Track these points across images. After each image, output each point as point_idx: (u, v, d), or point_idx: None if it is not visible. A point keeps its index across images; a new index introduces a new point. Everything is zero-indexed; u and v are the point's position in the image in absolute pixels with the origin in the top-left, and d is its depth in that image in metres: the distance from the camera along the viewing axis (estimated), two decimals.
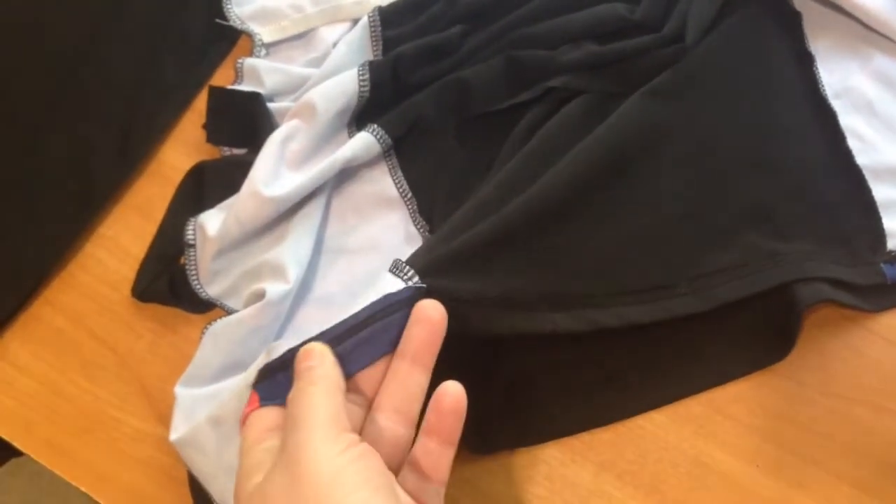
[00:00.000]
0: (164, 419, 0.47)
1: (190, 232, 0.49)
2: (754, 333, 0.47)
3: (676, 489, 0.45)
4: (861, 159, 0.50)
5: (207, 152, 0.54)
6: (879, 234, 0.48)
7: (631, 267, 0.47)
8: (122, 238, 0.52)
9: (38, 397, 0.49)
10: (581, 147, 0.48)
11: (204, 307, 0.49)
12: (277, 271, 0.47)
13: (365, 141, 0.50)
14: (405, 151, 0.52)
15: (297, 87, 0.53)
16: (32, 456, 0.48)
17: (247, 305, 0.47)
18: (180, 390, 0.45)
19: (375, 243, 0.50)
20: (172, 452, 0.46)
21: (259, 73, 0.53)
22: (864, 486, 0.44)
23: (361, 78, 0.50)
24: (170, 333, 0.50)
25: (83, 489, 0.47)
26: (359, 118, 0.52)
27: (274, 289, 0.46)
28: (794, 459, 0.45)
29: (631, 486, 0.45)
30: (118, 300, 0.51)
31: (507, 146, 0.50)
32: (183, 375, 0.46)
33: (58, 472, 0.47)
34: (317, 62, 0.54)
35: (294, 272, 0.47)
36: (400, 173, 0.51)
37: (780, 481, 0.44)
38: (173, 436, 0.44)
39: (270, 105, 0.52)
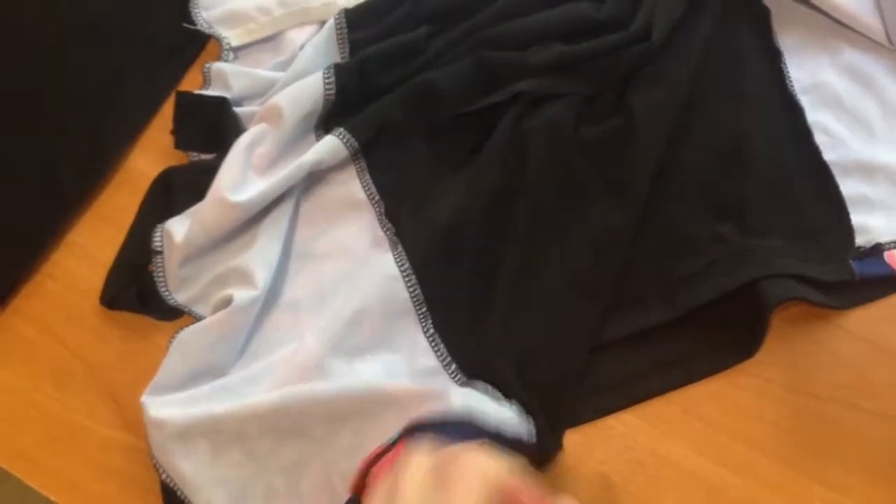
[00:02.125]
0: (133, 427, 0.47)
1: (157, 239, 0.49)
2: (723, 332, 0.46)
3: (645, 489, 0.44)
4: (829, 155, 0.50)
5: (176, 158, 0.54)
6: (848, 230, 0.48)
7: (602, 284, 0.47)
8: (91, 246, 0.52)
9: (7, 407, 0.49)
10: (541, 159, 0.48)
11: (173, 314, 0.49)
12: (245, 277, 0.47)
13: (331, 144, 0.50)
14: (375, 154, 0.51)
15: (264, 90, 0.53)
16: (2, 466, 0.48)
17: (215, 312, 0.47)
18: (148, 399, 0.45)
19: (344, 247, 0.50)
20: (142, 461, 0.45)
21: (226, 78, 0.53)
22: (834, 485, 0.44)
23: (327, 81, 0.50)
24: (139, 341, 0.50)
25: (53, 499, 0.47)
26: (326, 121, 0.52)
27: (241, 295, 0.46)
28: (763, 458, 0.45)
29: (599, 486, 0.45)
30: (87, 308, 0.50)
31: (486, 154, 0.49)
32: (150, 384, 0.45)
33: (27, 481, 0.47)
34: (285, 65, 0.54)
35: (262, 277, 0.47)
36: (368, 176, 0.51)
37: (749, 480, 0.44)
38: (154, 444, 0.44)
39: (238, 109, 0.52)
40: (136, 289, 0.49)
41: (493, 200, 0.48)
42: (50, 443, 0.48)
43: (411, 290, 0.47)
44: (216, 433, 0.44)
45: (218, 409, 0.43)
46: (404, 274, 0.47)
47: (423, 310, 0.47)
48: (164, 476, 0.44)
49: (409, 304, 0.47)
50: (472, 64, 0.51)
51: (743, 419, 0.45)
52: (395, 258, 0.47)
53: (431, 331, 0.47)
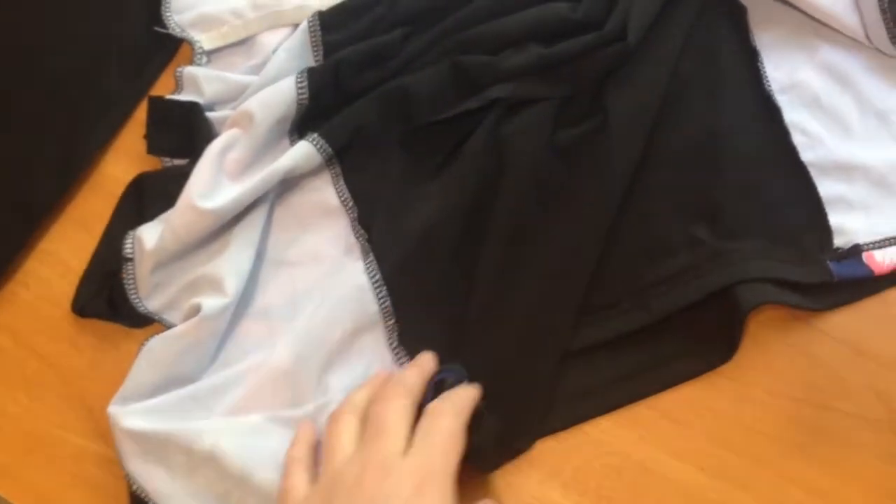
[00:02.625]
0: (107, 437, 0.46)
1: (128, 246, 0.49)
2: (698, 337, 0.46)
3: (622, 495, 0.44)
4: (807, 155, 0.49)
5: (150, 163, 0.53)
6: (826, 230, 0.48)
7: (575, 291, 0.46)
8: (63, 253, 0.52)
9: None
10: (519, 166, 0.47)
11: (144, 321, 0.49)
12: (216, 284, 0.47)
13: (305, 150, 0.49)
14: (349, 160, 0.51)
15: (237, 94, 0.52)
16: None
17: (185, 320, 0.46)
18: (115, 409, 0.44)
19: (317, 254, 0.49)
20: (116, 471, 0.45)
21: (199, 82, 0.52)
22: (812, 488, 0.43)
23: (300, 85, 0.50)
24: (112, 349, 0.49)
25: None
26: (301, 126, 0.51)
27: (211, 303, 0.45)
28: (740, 461, 0.44)
29: (576, 493, 0.44)
30: (60, 317, 0.50)
31: (462, 161, 0.49)
32: (117, 394, 0.45)
33: (1, 493, 0.47)
34: (258, 68, 0.53)
35: (233, 285, 0.46)
36: (342, 182, 0.50)
37: (727, 483, 0.44)
38: (124, 455, 0.43)
39: (211, 114, 0.52)
40: (107, 296, 0.49)
41: (467, 209, 0.48)
42: (22, 453, 0.48)
43: (381, 301, 0.47)
44: (189, 450, 0.43)
45: (186, 427, 0.43)
46: (375, 285, 0.47)
47: (391, 322, 0.47)
48: (134, 487, 0.43)
49: (378, 316, 0.47)
50: (447, 68, 0.50)
51: (719, 422, 0.45)
52: (366, 268, 0.47)
53: (395, 343, 0.47)
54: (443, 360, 0.46)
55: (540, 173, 0.48)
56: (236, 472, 0.43)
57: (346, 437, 0.41)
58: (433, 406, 0.42)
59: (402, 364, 0.46)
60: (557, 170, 0.49)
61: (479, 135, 0.49)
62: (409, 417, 0.41)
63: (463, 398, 0.43)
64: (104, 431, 0.47)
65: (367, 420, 0.42)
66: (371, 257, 0.47)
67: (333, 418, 0.43)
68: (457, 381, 0.44)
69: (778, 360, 0.46)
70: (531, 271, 0.47)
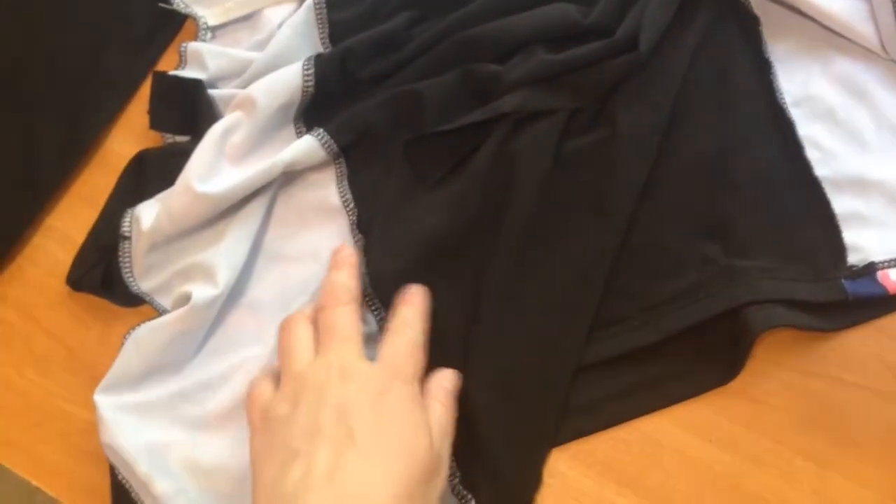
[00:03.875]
0: None
1: (126, 224, 0.48)
2: (702, 354, 0.45)
3: (630, 466, 0.44)
4: (821, 170, 0.48)
5: (155, 140, 0.53)
6: (840, 248, 0.46)
7: (586, 308, 0.45)
8: (69, 229, 0.52)
9: None
10: (528, 182, 0.46)
11: (136, 301, 0.49)
12: (208, 274, 0.46)
13: (309, 145, 0.48)
14: (355, 160, 0.50)
15: (241, 70, 0.52)
16: None
17: (175, 307, 0.46)
18: (101, 398, 0.44)
19: (313, 252, 0.48)
20: None
21: (203, 58, 0.52)
22: (820, 460, 0.43)
23: (306, 73, 0.49)
24: (119, 325, 0.49)
25: (35, 483, 0.47)
26: (307, 114, 0.51)
27: (201, 293, 0.45)
28: (748, 434, 0.44)
29: (584, 464, 0.44)
30: (67, 292, 0.50)
31: (469, 176, 0.48)
32: (103, 381, 0.45)
33: (9, 466, 0.47)
34: (263, 44, 0.53)
35: (225, 277, 0.46)
36: (346, 182, 0.49)
37: (735, 456, 0.44)
38: (104, 441, 0.44)
39: (214, 92, 0.51)
40: (101, 272, 0.49)
41: (473, 224, 0.47)
42: (31, 427, 0.48)
43: (375, 313, 0.46)
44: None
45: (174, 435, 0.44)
46: (366, 298, 0.46)
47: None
48: (120, 477, 0.44)
49: (374, 329, 0.46)
50: (460, 76, 0.49)
51: (727, 394, 0.45)
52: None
53: None
54: None
55: (549, 188, 0.47)
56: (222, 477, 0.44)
57: (303, 343, 0.42)
58: (391, 324, 0.43)
59: None
60: (566, 185, 0.48)
61: (486, 149, 0.48)
62: (357, 320, 0.43)
63: (413, 314, 0.44)
64: None
65: (317, 327, 0.43)
66: (365, 269, 0.47)
67: (285, 326, 0.44)
68: None
69: (786, 333, 0.46)
70: (541, 288, 0.46)
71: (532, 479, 0.44)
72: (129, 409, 0.44)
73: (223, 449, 0.45)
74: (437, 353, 0.45)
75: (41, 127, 0.53)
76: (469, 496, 0.43)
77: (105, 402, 0.44)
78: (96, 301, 0.50)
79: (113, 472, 0.45)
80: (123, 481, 0.44)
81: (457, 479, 0.43)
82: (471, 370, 0.45)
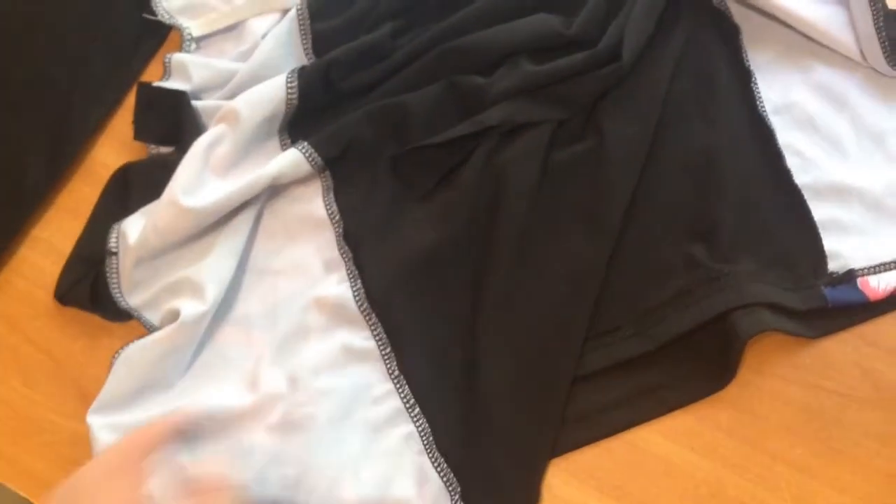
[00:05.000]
0: None
1: (113, 239, 0.48)
2: (694, 362, 0.46)
3: (613, 474, 0.45)
4: (801, 178, 0.48)
5: (140, 151, 0.53)
6: (820, 255, 0.47)
7: (578, 318, 0.46)
8: (55, 240, 0.52)
9: None
10: (516, 194, 0.47)
11: (123, 316, 0.49)
12: (196, 290, 0.46)
13: (293, 158, 0.48)
14: (340, 173, 0.50)
15: (225, 81, 0.52)
16: None
17: (163, 324, 0.46)
18: (94, 419, 0.44)
19: (300, 266, 0.49)
20: None
21: (187, 69, 0.52)
22: (800, 466, 0.44)
23: (290, 85, 0.49)
24: (106, 336, 0.49)
25: (23, 494, 0.47)
26: (292, 126, 0.51)
27: (189, 309, 0.45)
28: (729, 441, 0.45)
29: (566, 472, 0.45)
30: (53, 304, 0.50)
31: (456, 189, 0.48)
32: (95, 403, 0.45)
33: None
34: (247, 55, 0.53)
35: (212, 292, 0.46)
36: (332, 195, 0.49)
37: (716, 462, 0.44)
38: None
39: (198, 103, 0.51)
40: (89, 286, 0.49)
41: (464, 237, 0.47)
42: (19, 439, 0.48)
43: (373, 328, 0.46)
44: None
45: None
46: (364, 313, 0.46)
47: (388, 350, 0.46)
48: None
49: (373, 345, 0.46)
50: (444, 89, 0.49)
51: (709, 402, 0.45)
52: (354, 295, 0.47)
53: (396, 372, 0.46)
54: (440, 391, 0.46)
55: (538, 200, 0.48)
56: None
57: None
58: None
59: (402, 391, 0.46)
60: (555, 196, 0.48)
61: (473, 163, 0.48)
62: None
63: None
64: None
65: None
66: (359, 283, 0.47)
67: None
68: None
69: (765, 341, 0.46)
70: (535, 300, 0.46)
71: (532, 492, 0.44)
72: (122, 429, 0.44)
73: (222, 465, 0.44)
74: (434, 366, 0.46)
75: (26, 137, 0.53)
76: None
77: (98, 422, 0.44)
78: (83, 313, 0.50)
79: None
80: None
81: (457, 496, 0.44)
82: (469, 384, 0.45)
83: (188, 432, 0.45)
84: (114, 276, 0.48)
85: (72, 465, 0.47)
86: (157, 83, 0.53)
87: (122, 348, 0.46)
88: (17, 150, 0.52)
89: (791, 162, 0.49)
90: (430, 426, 0.45)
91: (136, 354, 0.45)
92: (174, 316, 0.45)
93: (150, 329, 0.48)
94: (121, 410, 0.45)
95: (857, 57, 0.51)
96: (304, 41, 0.52)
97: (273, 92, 0.49)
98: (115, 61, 0.55)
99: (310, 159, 0.49)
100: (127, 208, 0.50)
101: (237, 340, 0.47)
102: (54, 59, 0.54)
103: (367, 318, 0.46)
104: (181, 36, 0.55)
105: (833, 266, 0.47)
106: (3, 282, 0.51)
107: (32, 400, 0.49)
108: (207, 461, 0.44)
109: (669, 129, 0.49)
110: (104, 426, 0.44)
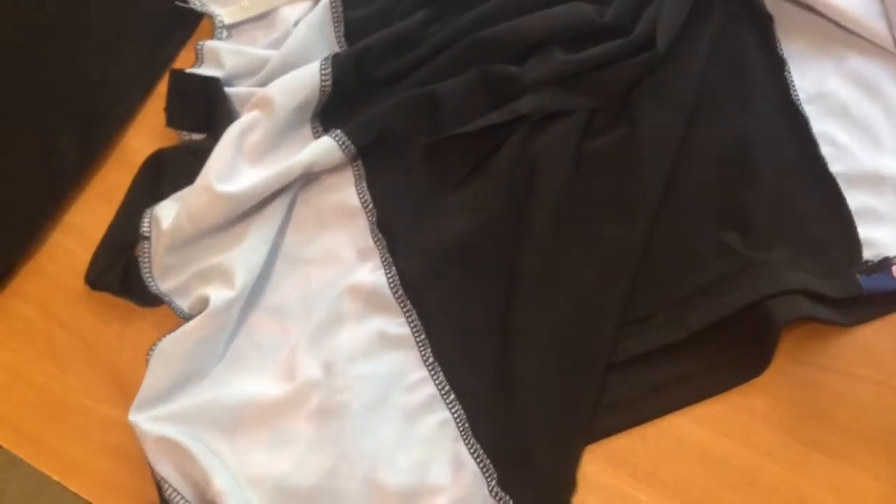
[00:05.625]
0: None
1: (145, 224, 0.48)
2: (728, 349, 0.45)
3: (647, 461, 0.44)
4: (835, 167, 0.48)
5: (172, 137, 0.54)
6: (855, 243, 0.47)
7: (613, 306, 0.46)
8: (87, 226, 0.52)
9: (9, 387, 0.49)
10: (549, 182, 0.47)
11: (154, 301, 0.49)
12: (226, 276, 0.46)
13: (327, 146, 0.49)
14: (372, 161, 0.50)
15: (257, 69, 0.52)
16: (3, 445, 0.48)
17: (192, 310, 0.46)
18: (137, 417, 0.44)
19: (333, 254, 0.49)
20: None
21: (219, 56, 0.52)
22: (834, 453, 0.44)
23: (324, 72, 0.49)
24: (138, 320, 0.50)
25: (55, 477, 0.47)
26: (324, 113, 0.51)
27: (219, 296, 0.45)
28: (763, 428, 0.45)
29: (601, 459, 0.45)
30: (85, 288, 0.50)
31: (490, 178, 0.48)
32: (136, 399, 0.45)
33: (29, 460, 0.47)
34: (278, 42, 0.53)
35: (242, 279, 0.46)
36: (364, 183, 0.50)
37: (751, 450, 0.44)
38: (152, 456, 0.43)
39: (230, 90, 0.52)
40: (120, 270, 0.49)
41: (498, 225, 0.47)
42: (51, 422, 0.48)
43: (408, 315, 0.46)
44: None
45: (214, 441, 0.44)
46: (399, 300, 0.46)
47: (422, 337, 0.46)
48: (169, 492, 0.43)
49: (408, 332, 0.46)
50: (476, 78, 0.49)
51: (744, 389, 0.45)
52: (389, 282, 0.47)
53: (431, 360, 0.46)
54: (475, 378, 0.45)
55: (570, 189, 0.48)
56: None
57: None
58: None
59: (435, 377, 0.46)
60: (589, 185, 0.48)
61: (506, 151, 0.48)
62: None
63: None
64: (131, 401, 0.47)
65: None
66: (393, 270, 0.47)
67: None
68: None
69: (802, 328, 0.46)
70: (569, 288, 0.46)
71: (568, 478, 0.44)
72: (165, 419, 0.44)
73: (261, 455, 0.44)
74: (468, 353, 0.46)
75: (59, 125, 0.53)
76: (508, 498, 0.43)
77: (141, 418, 0.44)
78: (115, 298, 0.50)
79: (160, 488, 0.44)
80: (173, 496, 0.43)
81: (494, 482, 0.43)
82: (507, 371, 0.45)
83: (227, 423, 0.45)
84: (146, 260, 0.48)
85: (104, 448, 0.47)
86: (189, 70, 0.53)
87: (155, 344, 0.46)
88: (49, 137, 0.53)
89: (825, 151, 0.49)
90: (466, 413, 0.45)
91: (170, 347, 0.45)
92: (204, 302, 0.45)
93: (179, 314, 0.48)
94: (161, 404, 0.45)
95: (891, 46, 0.51)
96: (337, 29, 0.52)
97: (307, 79, 0.49)
98: (146, 49, 0.55)
99: (343, 147, 0.49)
100: (158, 195, 0.50)
101: (270, 329, 0.47)
102: (86, 46, 0.55)
103: (402, 304, 0.46)
104: (213, 24, 0.55)
105: (868, 254, 0.47)
106: (35, 267, 0.52)
107: (66, 384, 0.49)
108: (247, 451, 0.44)
109: (703, 117, 0.49)
110: (147, 419, 0.44)
